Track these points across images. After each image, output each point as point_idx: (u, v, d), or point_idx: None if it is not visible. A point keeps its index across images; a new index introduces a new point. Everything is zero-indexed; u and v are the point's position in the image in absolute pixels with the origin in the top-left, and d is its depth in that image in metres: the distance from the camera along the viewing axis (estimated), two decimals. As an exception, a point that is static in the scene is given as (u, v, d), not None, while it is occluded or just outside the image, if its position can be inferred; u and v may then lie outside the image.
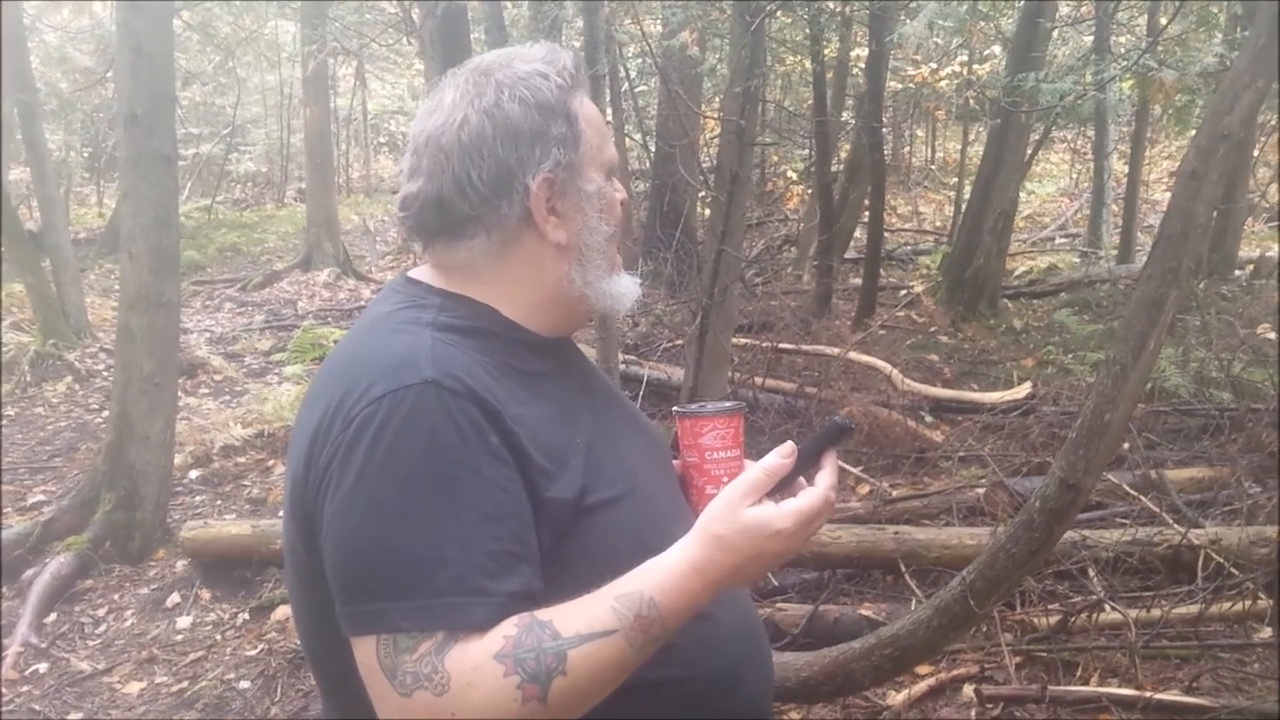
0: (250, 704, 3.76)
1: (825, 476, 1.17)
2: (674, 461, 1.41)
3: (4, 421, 7.06)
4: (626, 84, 10.28)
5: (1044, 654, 3.53)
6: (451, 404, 1.12)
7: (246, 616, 4.37)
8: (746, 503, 1.14)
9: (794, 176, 13.68)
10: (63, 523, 4.94)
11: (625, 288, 1.35)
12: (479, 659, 1.04)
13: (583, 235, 1.30)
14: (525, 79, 1.25)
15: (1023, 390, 6.42)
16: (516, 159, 1.24)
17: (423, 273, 1.33)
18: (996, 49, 10.91)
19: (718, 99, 11.19)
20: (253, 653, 4.09)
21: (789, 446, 1.18)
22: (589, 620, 1.08)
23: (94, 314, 9.58)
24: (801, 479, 1.20)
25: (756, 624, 1.42)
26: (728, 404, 1.29)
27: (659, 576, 1.11)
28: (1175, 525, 4.02)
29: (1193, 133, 2.89)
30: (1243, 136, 2.92)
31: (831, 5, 7.99)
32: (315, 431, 1.16)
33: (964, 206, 10.87)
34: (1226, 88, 2.59)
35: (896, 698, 3.36)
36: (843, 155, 11.71)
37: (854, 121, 10.62)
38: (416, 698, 1.04)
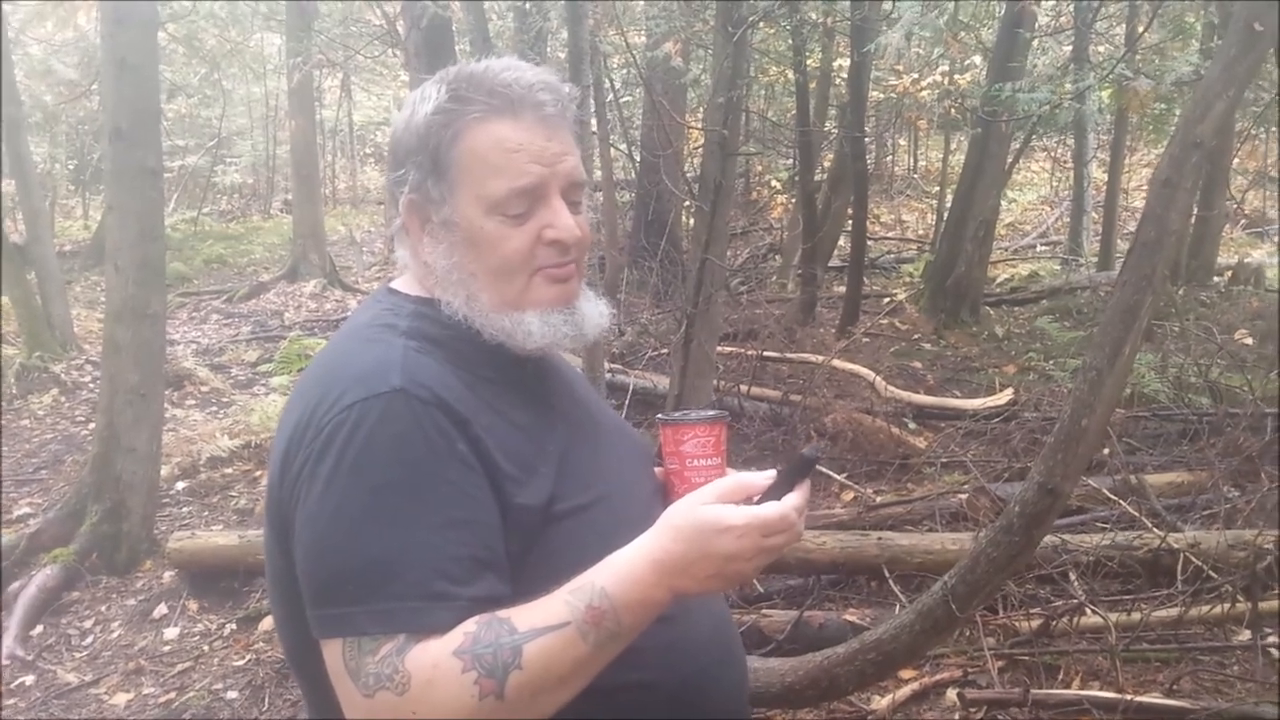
0: (238, 714, 3.76)
1: (792, 497, 1.16)
2: (658, 469, 1.42)
3: (-11, 434, 7.03)
4: (611, 94, 10.32)
5: (1026, 657, 3.56)
6: (420, 412, 1.14)
7: (234, 627, 4.37)
8: (709, 501, 1.14)
9: (778, 186, 13.75)
10: (49, 535, 4.93)
11: (528, 326, 1.27)
12: (438, 656, 1.06)
13: (443, 263, 1.27)
14: (425, 98, 1.27)
15: (1004, 397, 6.48)
16: (396, 176, 1.29)
17: (403, 283, 1.36)
18: (977, 59, 10.99)
19: (701, 109, 11.24)
20: (240, 663, 4.09)
21: (771, 473, 1.18)
22: (544, 615, 1.09)
23: (80, 326, 9.55)
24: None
25: (728, 628, 1.43)
26: (710, 412, 1.30)
27: (611, 568, 1.12)
28: (1155, 529, 4.06)
29: (1168, 141, 2.94)
30: (1216, 145, 2.97)
31: (814, 16, 8.05)
32: (290, 440, 1.19)
33: (946, 215, 10.94)
34: (1199, 96, 2.63)
35: (880, 702, 3.39)
36: (826, 164, 11.77)
37: (837, 131, 10.67)
38: (379, 698, 1.07)
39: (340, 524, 1.11)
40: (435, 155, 1.25)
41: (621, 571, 1.12)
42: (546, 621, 1.08)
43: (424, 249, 1.29)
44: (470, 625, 1.08)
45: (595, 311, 1.34)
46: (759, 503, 1.15)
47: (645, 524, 1.17)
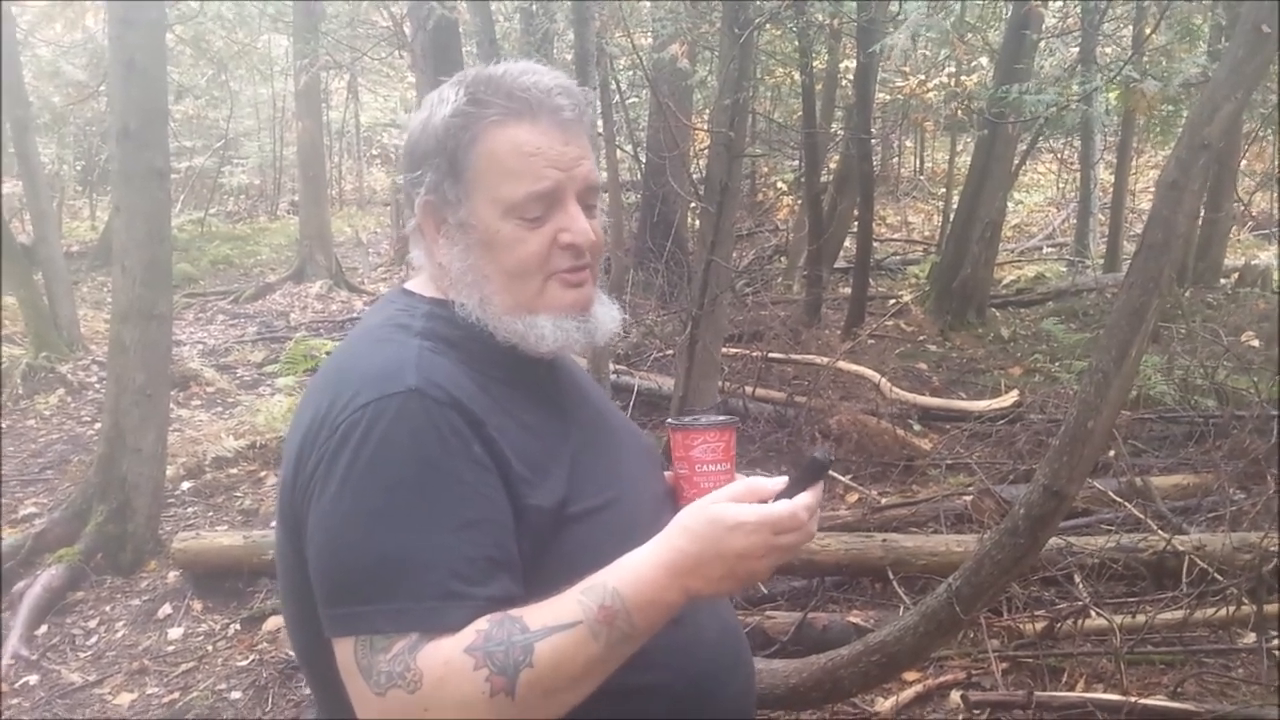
0: (242, 714, 3.76)
1: (803, 497, 1.17)
2: (666, 473, 1.43)
3: (-4, 434, 7.05)
4: (617, 96, 10.32)
5: (1030, 660, 3.55)
6: (435, 412, 1.15)
7: (238, 627, 4.37)
8: (720, 501, 1.16)
9: (784, 187, 13.75)
10: (54, 535, 4.93)
11: (540, 330, 1.27)
12: (450, 653, 1.07)
13: (457, 264, 1.28)
14: (443, 100, 1.27)
15: (1010, 398, 6.47)
16: (413, 178, 1.29)
17: (417, 284, 1.37)
18: (984, 60, 10.97)
19: (707, 111, 11.23)
20: (244, 663, 4.10)
21: (782, 479, 1.20)
22: (556, 613, 1.09)
23: (86, 327, 9.57)
24: None
25: (736, 630, 1.44)
26: (720, 418, 1.31)
27: (624, 569, 1.13)
28: (1160, 531, 4.06)
29: (1175, 143, 2.92)
30: (1223, 146, 2.96)
31: (820, 18, 8.04)
32: (304, 439, 1.19)
33: (952, 216, 10.92)
34: (1205, 98, 2.63)
35: (884, 704, 3.39)
36: (832, 166, 11.76)
37: (843, 132, 10.67)
38: (391, 696, 1.07)
39: (354, 523, 1.11)
40: (453, 158, 1.25)
41: (633, 572, 1.12)
42: (558, 620, 1.09)
43: (439, 250, 1.30)
44: (482, 623, 1.08)
45: (608, 316, 1.35)
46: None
47: (656, 526, 1.18)
